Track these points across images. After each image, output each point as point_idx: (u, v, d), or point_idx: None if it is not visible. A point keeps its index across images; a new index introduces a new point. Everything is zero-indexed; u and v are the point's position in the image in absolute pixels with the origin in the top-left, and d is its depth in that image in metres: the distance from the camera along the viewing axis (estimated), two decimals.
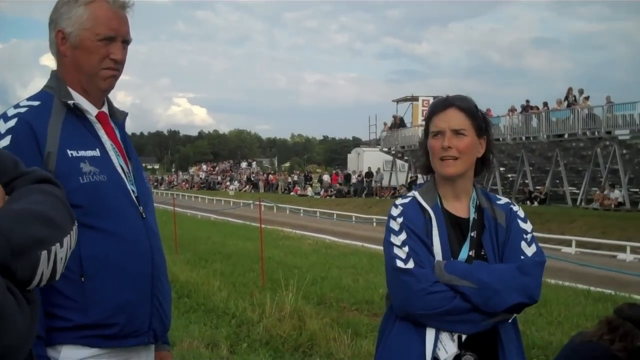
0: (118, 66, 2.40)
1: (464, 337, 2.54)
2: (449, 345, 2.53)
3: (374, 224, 31.01)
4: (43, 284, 1.27)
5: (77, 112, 2.34)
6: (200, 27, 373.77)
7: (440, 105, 2.68)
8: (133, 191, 2.39)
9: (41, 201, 1.34)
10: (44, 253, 1.24)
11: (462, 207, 2.69)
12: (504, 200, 2.76)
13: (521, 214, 2.71)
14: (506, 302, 2.47)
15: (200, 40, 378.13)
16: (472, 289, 2.47)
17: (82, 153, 2.27)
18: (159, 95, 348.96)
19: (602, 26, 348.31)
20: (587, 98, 32.08)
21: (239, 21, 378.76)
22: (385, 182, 47.73)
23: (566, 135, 32.38)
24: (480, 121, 2.67)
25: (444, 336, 2.53)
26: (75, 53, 2.35)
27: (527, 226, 2.67)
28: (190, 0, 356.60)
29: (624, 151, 31.02)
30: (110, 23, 2.34)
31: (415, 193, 2.73)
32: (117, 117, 2.52)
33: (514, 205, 2.75)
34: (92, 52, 2.34)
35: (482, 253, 2.61)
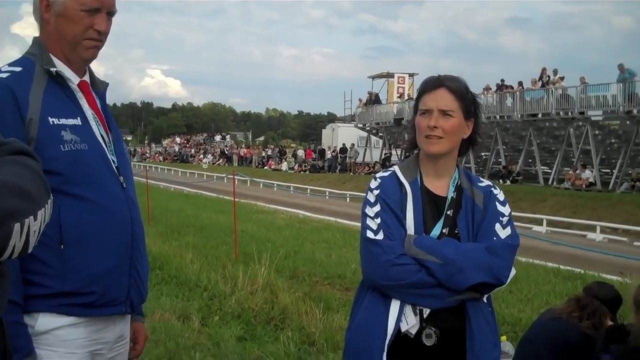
0: (101, 37, 2.38)
1: (426, 311, 2.56)
2: (410, 318, 2.56)
3: (348, 199, 31.13)
4: (15, 256, 1.25)
5: (59, 79, 2.31)
6: None
7: (431, 84, 2.69)
8: (113, 161, 2.39)
9: (16, 173, 1.32)
10: (17, 225, 1.22)
11: (442, 186, 2.72)
12: (485, 182, 2.78)
13: (500, 197, 2.73)
14: (470, 280, 2.49)
15: (174, 13, 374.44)
16: (437, 264, 2.51)
17: (63, 121, 2.25)
18: (133, 66, 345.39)
19: (577, 7, 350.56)
20: (562, 78, 32.24)
21: None
22: (359, 158, 47.72)
23: (540, 115, 32.52)
24: (469, 103, 2.70)
25: (408, 309, 2.57)
26: (58, 21, 2.31)
27: (505, 209, 2.69)
28: None
29: (597, 132, 31.24)
30: None
31: (396, 168, 2.77)
32: (98, 87, 2.50)
33: (495, 188, 2.77)
34: (76, 22, 2.31)
35: (456, 232, 2.63)
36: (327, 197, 34.10)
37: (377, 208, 2.63)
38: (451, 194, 2.70)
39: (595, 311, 4.44)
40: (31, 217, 1.27)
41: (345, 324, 2.85)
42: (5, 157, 1.38)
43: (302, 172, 48.92)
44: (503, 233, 2.62)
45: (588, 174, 29.30)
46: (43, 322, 2.20)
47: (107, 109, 2.52)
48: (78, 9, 2.30)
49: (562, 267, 12.50)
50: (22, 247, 1.25)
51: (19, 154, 1.43)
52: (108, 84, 2.57)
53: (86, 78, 2.45)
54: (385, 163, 38.89)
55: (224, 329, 6.87)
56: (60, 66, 2.33)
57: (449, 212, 2.66)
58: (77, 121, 2.29)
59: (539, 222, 22.33)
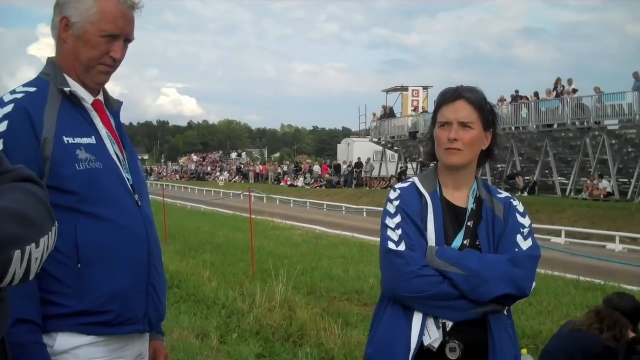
0: (115, 64, 2.40)
1: (449, 325, 2.55)
2: (433, 331, 2.54)
3: (364, 214, 31.08)
4: (15, 283, 1.24)
5: (73, 99, 2.33)
6: (189, 17, 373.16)
7: (450, 96, 2.68)
8: (128, 179, 2.39)
9: (20, 200, 1.31)
10: (18, 252, 1.21)
11: (461, 197, 2.71)
12: (504, 194, 2.78)
13: (520, 208, 2.72)
14: (493, 292, 2.48)
15: (188, 31, 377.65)
16: (460, 275, 2.49)
17: (78, 140, 2.26)
18: (148, 85, 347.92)
19: (590, 16, 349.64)
20: (575, 90, 32.02)
21: (228, 11, 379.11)
22: (375, 173, 47.70)
23: (555, 126, 32.39)
24: (488, 114, 2.69)
25: (430, 322, 2.55)
26: (76, 43, 2.33)
27: (525, 221, 2.69)
28: None
29: (613, 141, 31.06)
30: (117, 21, 2.34)
31: (415, 179, 2.76)
32: (112, 106, 2.52)
33: (514, 200, 2.76)
34: (93, 47, 2.33)
35: (477, 243, 2.62)
36: (344, 212, 34.03)
37: (398, 219, 2.61)
38: (471, 205, 2.68)
39: (616, 323, 4.40)
40: (33, 245, 1.26)
41: (365, 339, 2.84)
42: (10, 184, 1.38)
43: (318, 188, 48.87)
44: (525, 244, 2.60)
45: (606, 184, 29.09)
46: (62, 342, 2.19)
47: (122, 128, 2.53)
48: (98, 34, 2.31)
49: (581, 278, 12.41)
50: (23, 275, 1.24)
51: (25, 181, 1.43)
52: (122, 102, 2.58)
53: (100, 97, 2.46)
54: (401, 177, 38.80)
55: (242, 347, 6.86)
56: (75, 86, 2.35)
57: (469, 224, 2.65)
58: (92, 140, 2.31)
59: (557, 234, 22.16)
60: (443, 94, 2.74)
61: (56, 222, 1.41)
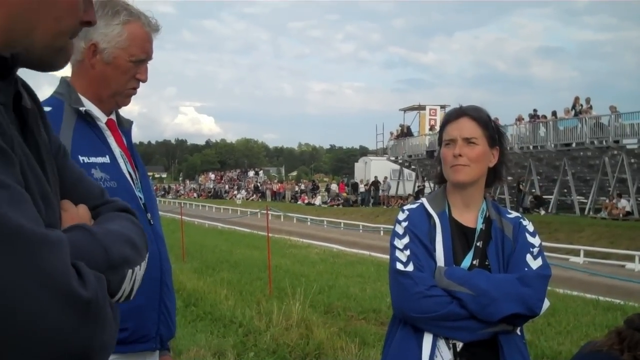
0: (139, 84, 2.45)
1: (459, 345, 2.53)
2: (444, 352, 2.53)
3: (381, 233, 30.96)
4: (122, 300, 1.35)
5: (87, 118, 2.35)
6: (206, 36, 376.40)
7: (454, 114, 2.71)
8: (141, 198, 2.41)
9: (129, 227, 1.44)
10: (130, 272, 1.34)
11: (470, 217, 2.70)
12: (514, 214, 2.78)
13: (530, 228, 2.71)
14: (502, 311, 2.46)
15: (206, 50, 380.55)
16: (468, 295, 2.48)
17: (93, 159, 2.28)
18: (166, 104, 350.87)
19: (607, 35, 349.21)
20: (590, 107, 31.92)
21: (245, 31, 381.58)
22: (392, 191, 47.68)
23: (574, 145, 32.28)
24: (493, 131, 2.69)
25: (441, 343, 2.54)
26: (106, 69, 2.36)
27: (535, 240, 2.67)
28: (195, 9, 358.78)
29: (632, 160, 30.90)
30: (144, 45, 2.39)
31: (424, 199, 2.77)
32: (123, 125, 2.54)
33: (524, 219, 2.75)
34: (123, 72, 2.37)
35: (487, 263, 2.61)
36: (361, 230, 33.98)
37: (406, 240, 2.61)
38: (480, 225, 2.68)
39: (637, 344, 4.35)
40: (138, 266, 1.38)
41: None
42: (118, 213, 1.50)
43: (335, 206, 48.88)
44: (534, 264, 2.58)
45: (624, 203, 28.90)
46: None
47: (133, 147, 2.56)
48: (127, 59, 2.35)
49: (601, 298, 12.28)
50: (129, 292, 1.37)
51: (123, 211, 1.54)
52: (133, 122, 2.61)
53: (112, 117, 2.49)
54: (418, 195, 38.72)
55: None
56: (89, 105, 2.37)
57: (478, 244, 2.64)
58: (106, 159, 2.33)
59: (576, 253, 22.00)
60: (447, 114, 2.78)
61: (148, 251, 1.51)
